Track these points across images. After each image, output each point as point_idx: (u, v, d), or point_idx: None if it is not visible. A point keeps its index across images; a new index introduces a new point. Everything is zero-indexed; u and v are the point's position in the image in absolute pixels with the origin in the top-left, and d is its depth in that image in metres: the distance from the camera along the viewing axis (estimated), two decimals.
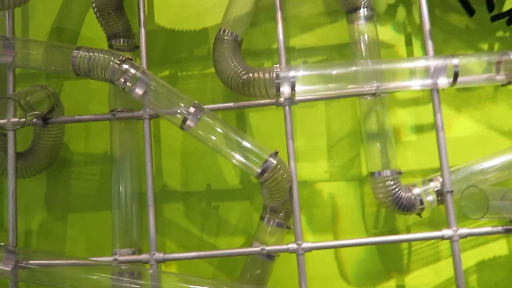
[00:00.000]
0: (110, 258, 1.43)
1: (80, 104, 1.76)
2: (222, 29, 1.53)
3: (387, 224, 1.63)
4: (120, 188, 1.54)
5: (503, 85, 1.35)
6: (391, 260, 1.63)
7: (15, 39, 1.53)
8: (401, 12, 1.68)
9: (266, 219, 1.47)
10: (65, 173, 1.76)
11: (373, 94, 1.39)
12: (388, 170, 1.43)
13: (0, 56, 1.47)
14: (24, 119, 1.35)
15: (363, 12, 1.48)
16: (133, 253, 1.49)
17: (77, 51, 1.41)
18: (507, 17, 1.55)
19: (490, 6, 1.46)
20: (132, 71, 1.38)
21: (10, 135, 1.52)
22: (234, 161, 1.37)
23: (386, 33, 1.66)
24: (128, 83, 1.38)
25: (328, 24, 1.70)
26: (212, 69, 1.63)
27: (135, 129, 1.60)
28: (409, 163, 1.60)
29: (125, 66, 1.37)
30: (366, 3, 1.48)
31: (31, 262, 1.39)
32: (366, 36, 1.48)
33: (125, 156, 1.57)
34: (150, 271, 1.40)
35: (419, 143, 1.64)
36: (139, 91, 1.39)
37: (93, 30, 1.80)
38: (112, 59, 1.38)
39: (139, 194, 1.57)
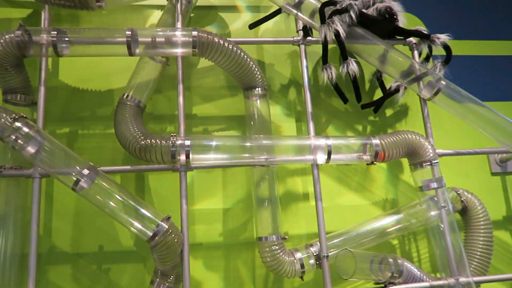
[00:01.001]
0: None
1: None
2: (126, 94, 1.60)
3: (275, 286, 1.72)
4: (2, 248, 1.44)
5: (367, 164, 1.58)
6: None
7: None
8: (292, 93, 1.91)
9: (156, 283, 1.47)
10: None
11: (263, 165, 1.53)
12: (273, 236, 1.54)
13: None
14: None
15: (257, 90, 1.66)
16: None
17: None
18: (373, 107, 1.85)
19: (358, 97, 1.74)
20: (25, 129, 1.36)
21: None
22: (127, 224, 1.38)
23: (278, 109, 1.87)
24: (19, 141, 1.35)
25: (228, 97, 1.86)
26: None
27: (24, 187, 1.54)
28: (295, 228, 1.74)
29: (18, 124, 1.35)
30: (260, 83, 1.66)
31: None
32: (259, 112, 1.66)
33: (9, 214, 1.49)
34: None
35: (303, 210, 1.80)
36: (31, 149, 1.36)
37: None
38: (4, 115, 1.35)
39: (22, 255, 1.49)
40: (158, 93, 1.81)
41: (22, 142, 1.35)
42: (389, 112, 1.98)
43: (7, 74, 1.51)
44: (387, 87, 1.86)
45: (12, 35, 1.44)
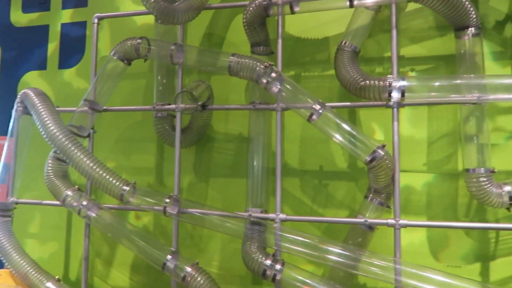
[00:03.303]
0: (246, 214, 1.90)
1: (222, 93, 2.24)
2: (344, 41, 1.88)
3: (477, 214, 1.86)
4: (254, 162, 1.99)
5: None
6: (479, 246, 1.86)
7: (185, 45, 2.04)
8: (509, 29, 1.85)
9: (369, 197, 1.81)
10: (209, 147, 2.29)
11: (474, 103, 1.63)
12: (482, 168, 1.66)
13: (174, 58, 1.99)
14: (195, 106, 1.86)
15: (471, 30, 1.71)
16: (261, 212, 1.94)
17: (232, 57, 1.86)
18: None
19: None
20: (273, 74, 1.80)
21: (178, 116, 2.05)
22: (347, 149, 1.72)
23: (492, 47, 1.86)
24: (268, 83, 1.80)
25: (437, 37, 1.94)
26: (330, 71, 2.00)
27: (268, 118, 2.03)
28: (503, 165, 1.80)
29: (268, 70, 1.80)
30: (474, 22, 1.70)
31: (189, 210, 1.92)
32: (471, 51, 1.71)
33: (259, 137, 2.01)
34: (275, 225, 1.84)
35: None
36: (275, 89, 1.81)
37: (236, 36, 2.28)
38: (259, 64, 1.81)
39: (268, 168, 2.02)
40: (368, 37, 2.02)
41: (270, 84, 1.80)
42: None
43: (255, 31, 1.97)
44: None
45: (259, 0, 1.86)
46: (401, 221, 1.70)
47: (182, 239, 2.05)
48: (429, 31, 1.96)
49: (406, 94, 1.65)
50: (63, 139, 1.88)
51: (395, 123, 1.74)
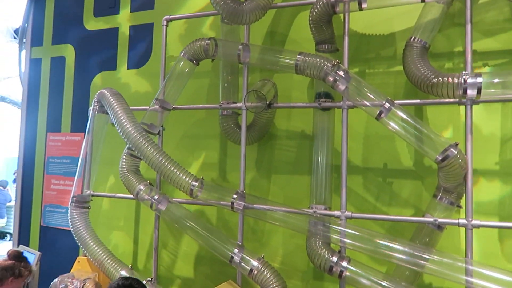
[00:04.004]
0: (310, 210, 1.93)
1: (285, 91, 2.27)
2: (413, 37, 1.84)
3: None
4: (319, 159, 2.01)
5: None
6: None
7: (251, 45, 2.09)
8: None
9: (439, 196, 1.78)
10: (271, 144, 2.33)
11: None
12: None
13: (241, 57, 2.04)
14: (264, 104, 1.91)
15: None
16: (325, 209, 1.96)
17: (300, 56, 1.89)
18: None
19: None
20: (340, 72, 1.80)
21: (244, 114, 2.11)
22: (417, 147, 1.70)
23: None
24: (335, 81, 1.81)
25: None
26: (396, 68, 1.97)
27: (332, 115, 2.04)
28: None
29: (335, 68, 1.80)
30: None
31: (255, 205, 1.98)
32: None
33: (323, 135, 2.03)
34: (340, 222, 1.86)
35: None
36: (342, 87, 1.81)
37: (298, 34, 2.30)
38: (326, 63, 1.82)
39: (332, 165, 2.03)
40: (437, 32, 1.97)
41: (337, 82, 1.81)
42: None
43: (321, 30, 1.98)
44: None
45: None
46: (473, 221, 1.66)
47: (245, 233, 2.11)
48: (504, 23, 1.88)
49: (482, 91, 1.60)
50: (138, 137, 2.00)
51: (469, 120, 1.70)
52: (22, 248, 2.69)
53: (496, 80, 1.61)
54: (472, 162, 1.68)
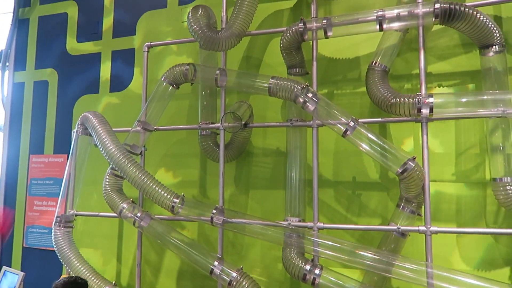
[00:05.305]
0: (285, 223, 2.06)
1: (260, 111, 2.42)
2: (374, 61, 2.03)
3: (506, 221, 1.96)
4: (293, 174, 2.16)
5: None
6: (507, 251, 1.95)
7: (228, 70, 2.24)
8: None
9: (401, 206, 1.94)
10: (248, 161, 2.47)
11: (499, 117, 1.75)
12: (508, 177, 1.77)
13: (219, 81, 2.19)
14: (240, 124, 2.05)
15: (495, 48, 1.83)
16: (299, 221, 2.09)
17: (272, 80, 2.05)
18: None
19: None
20: (309, 94, 1.97)
21: (222, 134, 2.24)
22: (380, 161, 1.87)
23: None
24: (305, 102, 1.97)
25: (462, 54, 2.07)
26: (362, 89, 2.15)
27: (304, 133, 2.20)
28: None
29: (305, 91, 1.97)
30: (498, 41, 1.82)
31: (233, 219, 2.10)
32: (495, 67, 1.83)
33: (296, 152, 2.18)
34: (313, 233, 1.99)
35: None
36: (311, 107, 1.97)
37: (272, 59, 2.46)
38: (296, 86, 1.99)
39: (304, 180, 2.18)
40: (396, 56, 2.16)
41: (306, 103, 1.97)
42: None
43: (291, 55, 2.15)
44: None
45: (296, 27, 2.04)
46: (432, 228, 1.82)
47: (224, 246, 2.23)
48: (454, 48, 2.09)
49: (434, 110, 1.78)
50: (120, 157, 2.11)
51: (424, 136, 1.87)
52: (5, 269, 2.72)
53: (446, 100, 1.80)
54: (429, 173, 1.86)
